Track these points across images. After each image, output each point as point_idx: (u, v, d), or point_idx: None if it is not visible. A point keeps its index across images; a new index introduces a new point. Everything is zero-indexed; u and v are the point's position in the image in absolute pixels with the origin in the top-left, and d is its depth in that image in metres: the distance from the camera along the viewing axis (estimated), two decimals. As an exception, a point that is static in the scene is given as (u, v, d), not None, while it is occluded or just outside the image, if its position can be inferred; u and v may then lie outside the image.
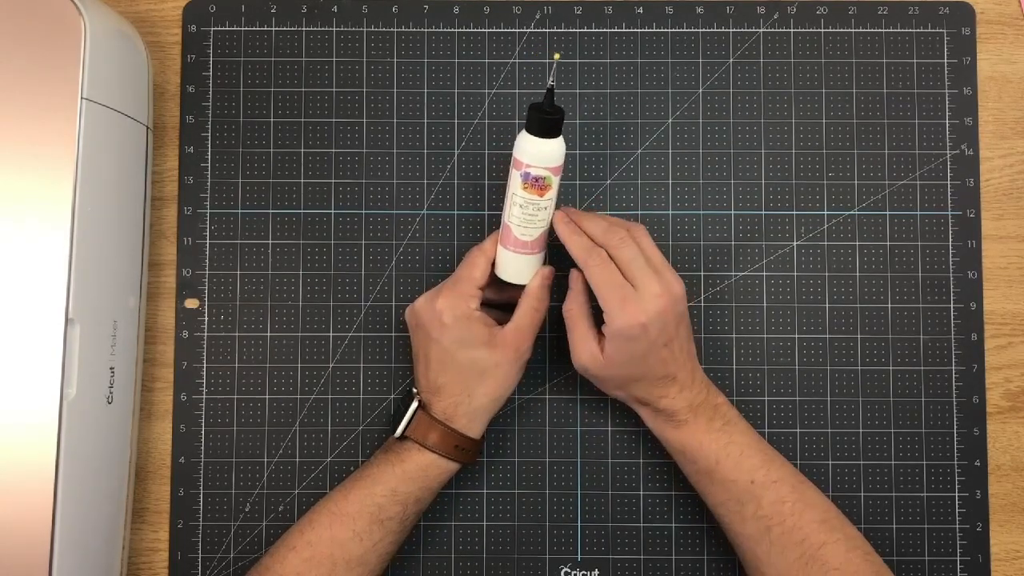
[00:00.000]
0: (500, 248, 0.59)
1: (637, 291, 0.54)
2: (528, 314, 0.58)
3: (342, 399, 0.65)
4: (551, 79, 0.55)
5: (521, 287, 0.59)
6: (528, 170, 0.55)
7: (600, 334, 0.57)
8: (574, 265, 0.57)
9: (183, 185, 0.66)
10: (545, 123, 0.55)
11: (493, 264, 0.59)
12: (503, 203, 0.58)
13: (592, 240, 0.56)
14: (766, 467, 0.57)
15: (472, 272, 0.58)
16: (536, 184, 0.56)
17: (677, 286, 0.56)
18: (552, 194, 0.57)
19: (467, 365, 0.57)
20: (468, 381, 0.58)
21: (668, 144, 0.66)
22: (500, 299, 0.60)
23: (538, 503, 0.65)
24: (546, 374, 0.65)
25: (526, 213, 0.57)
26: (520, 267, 0.58)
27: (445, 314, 0.57)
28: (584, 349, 0.57)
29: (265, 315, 0.66)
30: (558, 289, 0.63)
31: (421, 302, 0.59)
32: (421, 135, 0.67)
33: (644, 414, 0.59)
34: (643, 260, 0.55)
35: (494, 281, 0.59)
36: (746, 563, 0.58)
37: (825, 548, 0.55)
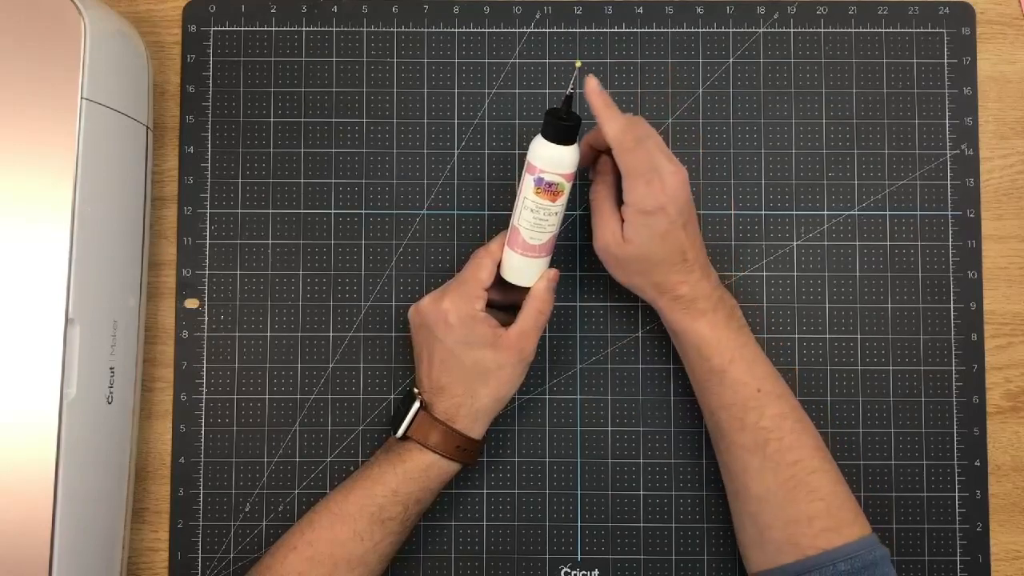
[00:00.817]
0: (507, 250, 0.59)
1: (657, 171, 0.55)
2: (532, 316, 0.58)
3: (342, 399, 0.65)
4: (571, 86, 0.55)
5: (526, 289, 0.59)
6: (541, 175, 0.56)
7: (622, 217, 0.57)
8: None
9: (183, 185, 0.66)
10: (561, 129, 0.55)
11: (498, 265, 0.59)
12: (513, 205, 0.58)
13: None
14: (773, 379, 0.58)
15: (478, 273, 0.58)
16: (549, 189, 0.56)
17: (683, 168, 0.57)
18: (564, 200, 0.57)
19: (471, 366, 0.57)
20: (471, 382, 0.58)
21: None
22: (504, 300, 0.60)
23: (538, 503, 0.65)
24: (546, 374, 0.65)
25: (537, 217, 0.57)
26: (526, 269, 0.58)
27: (451, 314, 0.57)
28: (607, 230, 0.57)
29: (265, 315, 0.66)
30: (562, 291, 0.63)
31: (427, 301, 0.59)
32: (421, 135, 0.67)
33: (663, 305, 0.58)
34: (656, 143, 0.56)
35: (498, 282, 0.59)
36: (732, 476, 0.58)
37: (816, 475, 0.55)
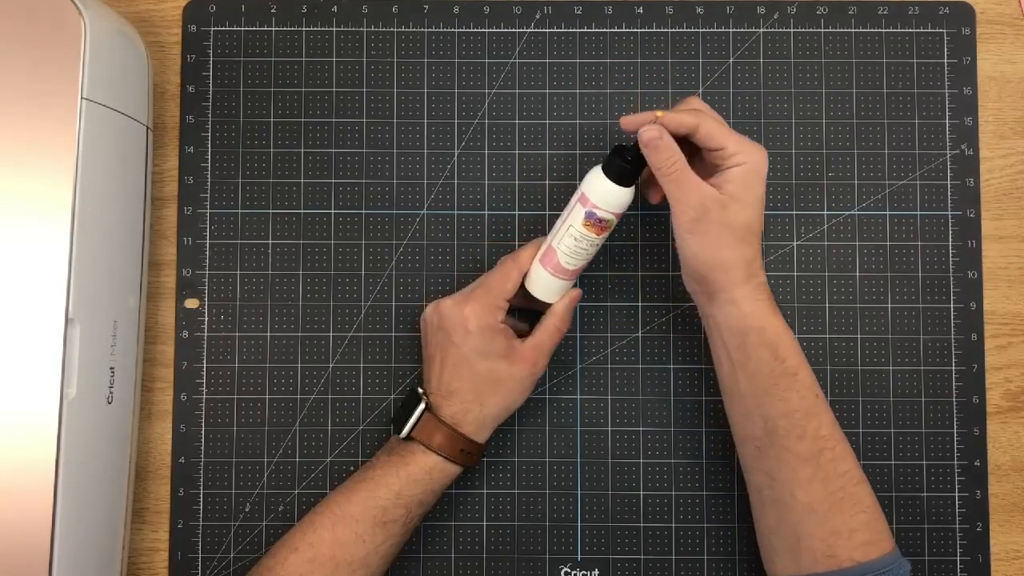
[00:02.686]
0: (538, 265, 0.59)
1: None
2: (550, 333, 0.59)
3: (342, 399, 0.65)
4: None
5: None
6: (594, 210, 0.56)
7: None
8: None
9: (183, 185, 0.66)
10: (625, 172, 0.55)
11: (524, 275, 0.59)
12: (555, 223, 0.58)
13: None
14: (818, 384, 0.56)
15: (504, 284, 0.58)
16: (598, 224, 0.56)
17: None
18: (607, 234, 0.58)
19: (484, 374, 0.57)
20: (481, 389, 0.58)
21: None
22: (522, 305, 0.61)
23: (538, 503, 0.65)
24: (546, 374, 0.65)
25: (578, 246, 0.57)
26: (552, 288, 0.59)
27: (471, 322, 0.57)
28: (704, 192, 0.54)
29: (265, 315, 0.66)
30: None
31: (448, 304, 0.59)
32: (421, 135, 0.67)
33: (743, 294, 0.54)
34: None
35: (519, 289, 0.59)
36: (776, 484, 0.55)
37: (860, 486, 0.55)
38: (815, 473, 0.54)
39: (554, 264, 0.58)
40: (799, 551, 0.54)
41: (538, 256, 0.59)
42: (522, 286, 0.59)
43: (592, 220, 0.56)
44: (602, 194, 0.56)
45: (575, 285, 0.60)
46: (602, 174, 0.56)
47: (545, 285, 0.59)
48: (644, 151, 0.55)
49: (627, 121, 0.55)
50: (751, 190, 0.54)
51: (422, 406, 0.58)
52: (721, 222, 0.54)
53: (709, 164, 0.55)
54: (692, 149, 0.56)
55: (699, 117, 0.54)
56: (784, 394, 0.54)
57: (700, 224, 0.54)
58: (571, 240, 0.57)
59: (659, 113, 0.54)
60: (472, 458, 0.59)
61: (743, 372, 0.55)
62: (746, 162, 0.54)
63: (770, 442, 0.55)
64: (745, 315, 0.54)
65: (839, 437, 0.55)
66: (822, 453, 0.54)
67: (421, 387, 0.60)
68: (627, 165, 0.55)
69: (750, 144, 0.54)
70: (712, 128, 0.54)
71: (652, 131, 0.54)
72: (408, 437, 0.58)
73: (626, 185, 0.56)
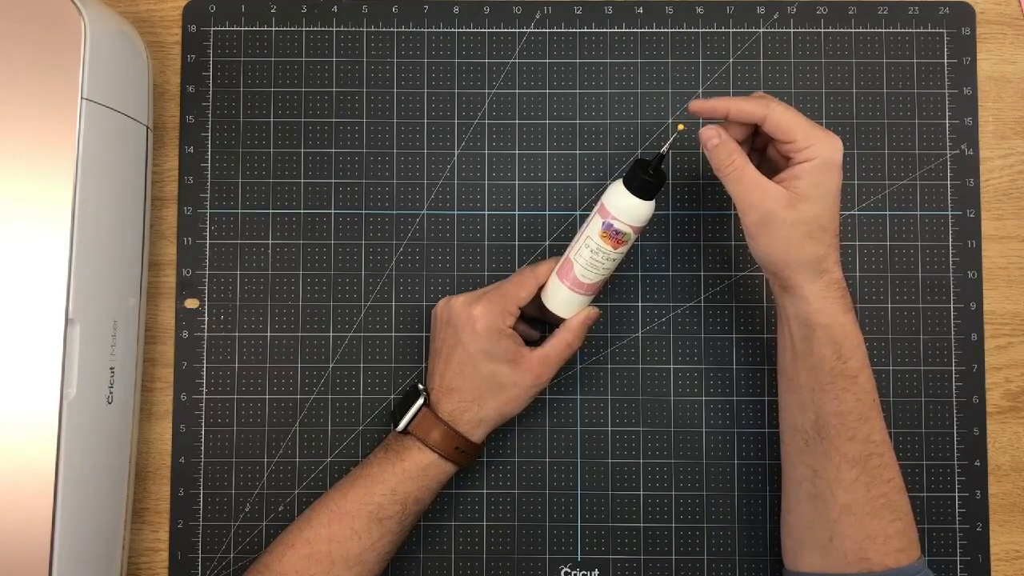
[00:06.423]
0: (555, 278, 0.59)
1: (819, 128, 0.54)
2: (560, 347, 0.59)
3: (342, 399, 0.65)
4: (667, 147, 0.55)
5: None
6: (612, 222, 0.56)
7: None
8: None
9: (183, 185, 0.66)
10: (646, 185, 0.56)
11: (541, 287, 0.59)
12: (575, 236, 0.59)
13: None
14: (877, 390, 0.56)
15: (518, 291, 0.58)
16: (615, 236, 0.56)
17: None
18: (626, 249, 0.58)
19: (487, 376, 0.58)
20: (482, 391, 0.58)
21: (668, 143, 0.66)
22: (535, 314, 0.61)
23: (538, 503, 0.65)
24: (546, 374, 0.65)
25: (595, 259, 0.57)
26: (568, 303, 0.59)
27: (479, 322, 0.57)
28: (768, 191, 0.53)
29: (265, 315, 0.66)
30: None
31: (459, 301, 0.59)
32: (421, 135, 0.67)
33: (814, 291, 0.54)
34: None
35: (535, 299, 0.59)
36: (819, 480, 0.55)
37: (901, 495, 0.55)
38: (860, 476, 0.54)
39: (571, 278, 0.58)
40: (830, 549, 0.54)
41: (556, 268, 0.59)
42: (540, 298, 0.59)
43: (609, 232, 0.56)
44: (621, 207, 0.56)
45: (593, 303, 0.60)
46: (622, 186, 0.56)
47: (561, 299, 0.59)
48: (704, 150, 0.55)
49: (696, 106, 0.55)
50: (821, 186, 0.53)
51: (420, 401, 0.58)
52: (788, 221, 0.53)
53: (781, 156, 0.55)
54: (765, 141, 0.56)
55: (767, 107, 0.53)
56: (841, 394, 0.54)
57: (766, 224, 0.53)
58: (588, 252, 0.57)
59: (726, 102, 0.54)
60: (467, 457, 0.59)
61: (804, 364, 0.55)
62: (816, 156, 0.53)
63: (819, 438, 0.55)
64: (814, 311, 0.54)
65: (888, 444, 0.55)
66: (870, 458, 0.54)
67: (422, 383, 0.60)
68: (648, 178, 0.55)
69: (821, 135, 0.53)
70: (780, 118, 0.53)
71: (709, 130, 0.55)
72: (405, 432, 0.58)
73: (646, 199, 0.56)
